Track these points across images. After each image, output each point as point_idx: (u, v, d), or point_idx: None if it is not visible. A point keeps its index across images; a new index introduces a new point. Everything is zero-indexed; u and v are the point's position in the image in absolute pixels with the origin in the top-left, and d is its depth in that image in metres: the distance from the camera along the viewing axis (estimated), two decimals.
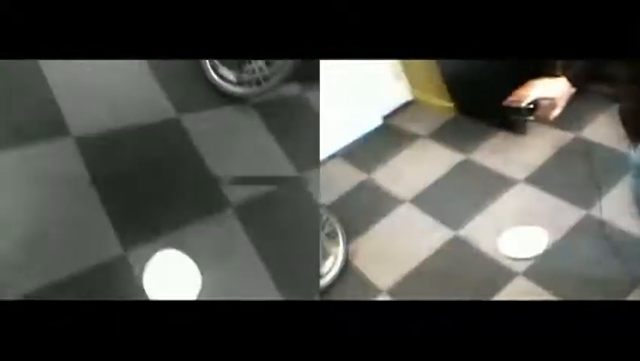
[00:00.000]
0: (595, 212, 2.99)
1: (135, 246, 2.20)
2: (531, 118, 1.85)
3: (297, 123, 3.47)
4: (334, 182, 4.21)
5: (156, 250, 2.22)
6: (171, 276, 2.22)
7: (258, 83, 3.12)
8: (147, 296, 2.08)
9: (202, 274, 2.28)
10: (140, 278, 2.12)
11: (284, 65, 3.00)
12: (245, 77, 3.15)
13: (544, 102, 1.79)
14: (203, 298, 2.21)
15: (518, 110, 1.82)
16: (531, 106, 1.79)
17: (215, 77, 3.18)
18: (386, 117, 4.75)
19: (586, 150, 2.66)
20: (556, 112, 1.81)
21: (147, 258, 2.19)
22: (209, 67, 3.17)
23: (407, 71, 4.67)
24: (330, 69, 4.24)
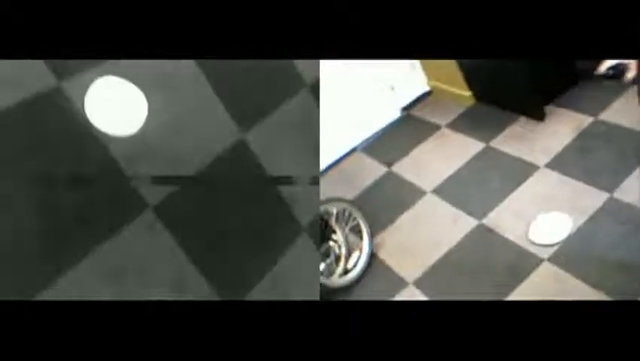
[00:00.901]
0: (617, 195, 3.01)
1: (70, 76, 1.99)
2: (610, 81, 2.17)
3: None
4: (356, 176, 4.26)
5: (93, 79, 2.03)
6: (113, 104, 2.05)
7: None
8: (88, 127, 1.95)
9: (147, 102, 2.12)
10: (80, 109, 1.97)
11: None
12: None
13: (621, 67, 2.01)
14: (149, 128, 2.07)
15: (604, 76, 2.08)
16: (612, 72, 2.04)
17: None
18: (405, 109, 4.78)
19: None
20: (631, 74, 2.00)
21: (85, 87, 2.00)
22: None
23: (423, 62, 4.68)
24: (345, 65, 4.29)
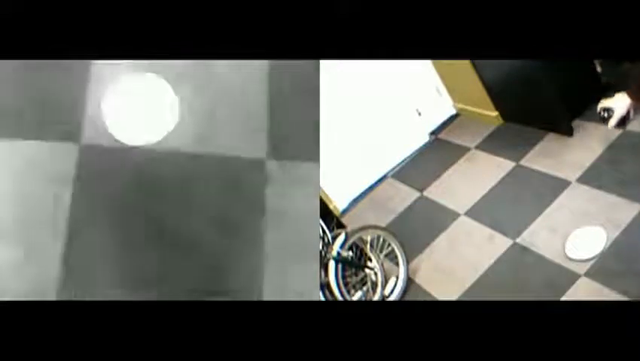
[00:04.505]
0: None
1: None
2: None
3: None
4: (389, 203, 4.31)
5: None
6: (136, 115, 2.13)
7: None
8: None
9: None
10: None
11: None
12: None
13: (610, 112, 2.15)
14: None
15: (599, 115, 2.21)
16: (602, 114, 2.18)
17: None
18: (433, 133, 4.83)
19: None
20: (612, 122, 2.16)
21: None
22: None
23: (448, 85, 4.74)
24: (371, 93, 4.37)
